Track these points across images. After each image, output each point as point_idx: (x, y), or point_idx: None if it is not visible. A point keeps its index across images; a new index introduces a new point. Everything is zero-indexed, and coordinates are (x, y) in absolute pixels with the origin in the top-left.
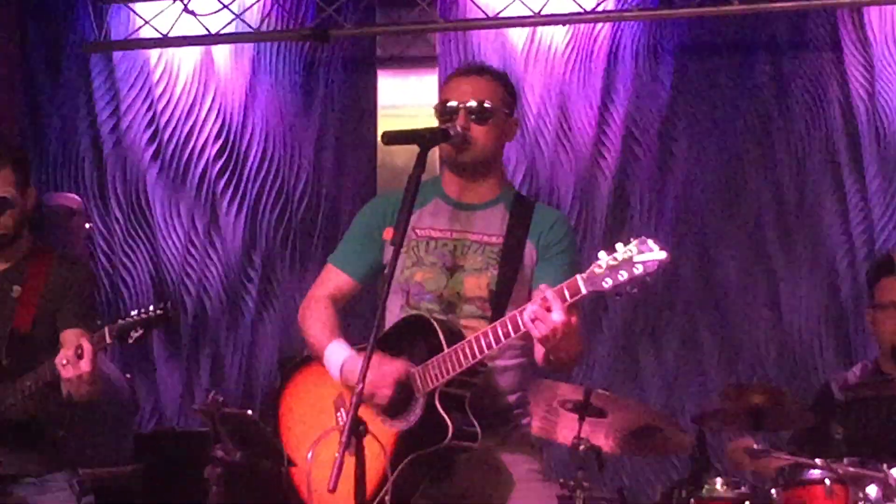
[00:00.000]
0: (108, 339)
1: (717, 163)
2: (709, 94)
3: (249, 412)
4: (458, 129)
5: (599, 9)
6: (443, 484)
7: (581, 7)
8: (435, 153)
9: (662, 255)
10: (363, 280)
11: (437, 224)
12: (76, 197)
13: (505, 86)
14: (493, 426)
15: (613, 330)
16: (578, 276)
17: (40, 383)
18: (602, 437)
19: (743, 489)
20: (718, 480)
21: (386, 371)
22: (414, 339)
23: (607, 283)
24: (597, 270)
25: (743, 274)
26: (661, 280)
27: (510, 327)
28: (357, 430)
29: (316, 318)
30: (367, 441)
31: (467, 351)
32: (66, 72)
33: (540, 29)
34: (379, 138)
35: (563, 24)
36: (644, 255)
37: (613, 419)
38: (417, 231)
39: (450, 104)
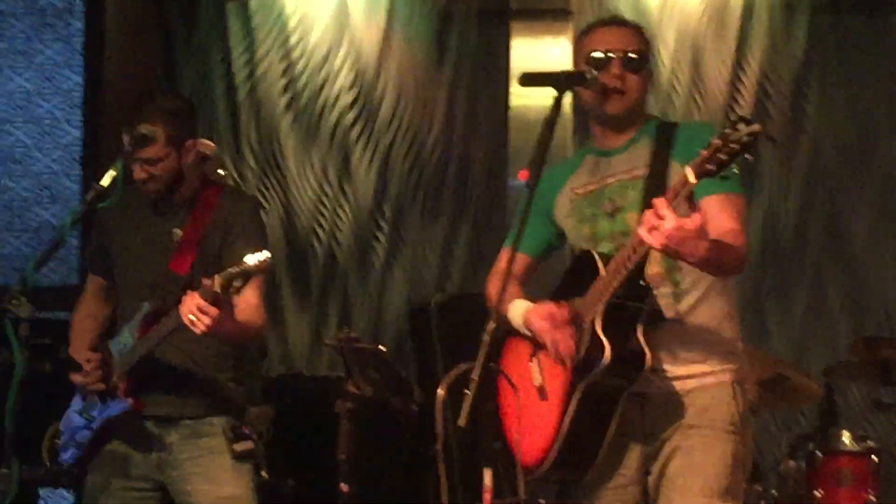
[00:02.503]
0: (215, 288)
1: (849, 121)
2: (843, 52)
3: (382, 348)
4: (611, 77)
5: None
6: (634, 423)
7: None
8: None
9: (756, 126)
10: (539, 257)
11: (593, 178)
12: (210, 143)
13: (645, 38)
14: (683, 360)
15: (740, 288)
16: (686, 167)
17: (164, 332)
18: None
19: (870, 443)
20: (846, 434)
21: (551, 312)
22: (581, 276)
23: (712, 166)
24: (700, 158)
25: (872, 231)
26: (789, 237)
27: (636, 240)
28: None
29: (495, 289)
30: (550, 386)
31: (612, 269)
32: (202, 21)
33: None
34: (513, 84)
35: None
36: (738, 132)
37: None
38: (577, 191)
39: (597, 54)
